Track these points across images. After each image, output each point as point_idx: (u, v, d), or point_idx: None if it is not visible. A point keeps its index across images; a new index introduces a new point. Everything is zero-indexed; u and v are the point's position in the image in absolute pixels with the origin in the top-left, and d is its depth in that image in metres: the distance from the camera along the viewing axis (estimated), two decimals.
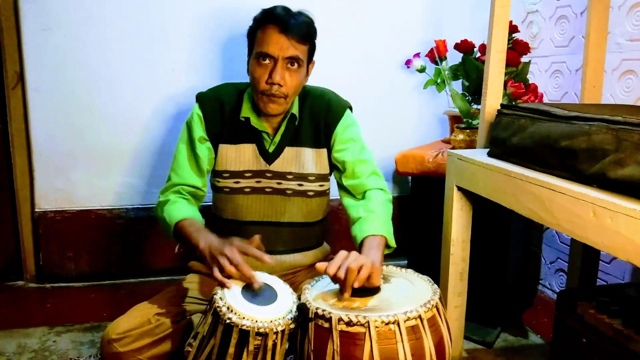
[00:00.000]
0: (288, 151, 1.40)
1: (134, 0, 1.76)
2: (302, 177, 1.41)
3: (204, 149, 1.38)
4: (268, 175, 1.40)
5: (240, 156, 1.39)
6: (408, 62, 1.82)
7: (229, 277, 1.10)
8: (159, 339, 1.22)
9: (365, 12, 1.95)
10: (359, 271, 1.07)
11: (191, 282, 1.41)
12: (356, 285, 1.07)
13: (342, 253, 1.12)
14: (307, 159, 1.41)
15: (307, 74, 1.39)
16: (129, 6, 1.76)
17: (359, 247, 1.24)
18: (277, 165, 1.40)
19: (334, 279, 1.09)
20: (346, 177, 1.41)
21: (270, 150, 1.40)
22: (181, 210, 1.29)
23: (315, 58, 1.41)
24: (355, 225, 1.31)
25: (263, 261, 1.12)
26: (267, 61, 1.29)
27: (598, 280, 1.60)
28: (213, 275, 1.10)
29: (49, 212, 1.83)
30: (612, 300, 1.22)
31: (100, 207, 1.86)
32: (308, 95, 1.43)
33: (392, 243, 1.30)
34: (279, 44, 1.27)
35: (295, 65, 1.30)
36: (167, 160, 1.46)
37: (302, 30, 1.29)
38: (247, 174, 1.40)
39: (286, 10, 1.31)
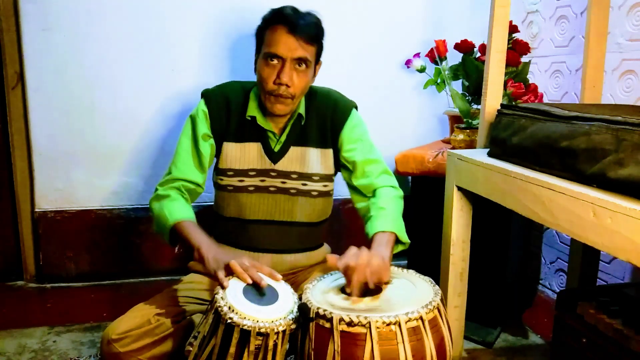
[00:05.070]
0: (293, 150, 1.40)
1: (134, 0, 1.76)
2: (306, 177, 1.41)
3: (207, 146, 1.38)
4: (272, 174, 1.40)
5: (245, 155, 1.39)
6: (408, 62, 1.82)
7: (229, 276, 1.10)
8: (159, 339, 1.22)
9: (365, 11, 1.95)
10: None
11: (191, 282, 1.41)
12: (371, 285, 1.08)
13: (353, 249, 1.13)
14: (312, 159, 1.41)
15: (315, 74, 1.39)
16: (129, 6, 1.76)
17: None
18: (282, 165, 1.40)
19: (344, 273, 1.11)
20: (356, 177, 1.41)
21: (276, 149, 1.40)
22: (182, 210, 1.28)
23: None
24: (367, 224, 1.32)
25: (275, 279, 1.14)
26: (276, 61, 1.29)
27: (598, 280, 1.60)
28: (217, 278, 1.10)
29: (49, 212, 1.83)
30: (612, 300, 1.22)
31: (100, 207, 1.86)
32: (314, 95, 1.43)
33: (404, 238, 1.29)
34: (288, 45, 1.27)
35: (304, 66, 1.30)
36: (167, 160, 1.46)
37: (311, 31, 1.29)
38: (251, 173, 1.40)
39: (295, 10, 1.31)
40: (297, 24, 1.27)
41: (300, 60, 1.29)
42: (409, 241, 1.31)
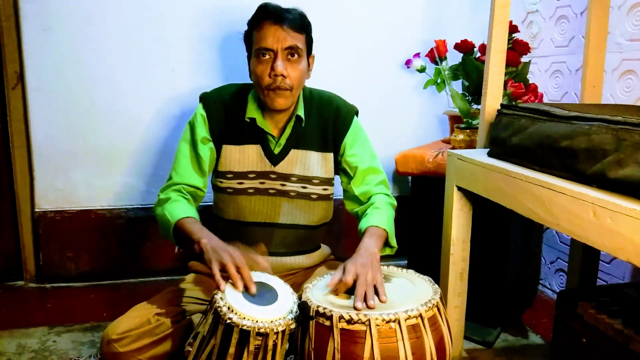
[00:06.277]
0: (293, 153, 1.40)
1: (134, 0, 1.76)
2: (306, 180, 1.41)
3: (206, 150, 1.38)
4: (272, 176, 1.40)
5: (245, 157, 1.39)
6: (408, 62, 1.82)
7: (227, 278, 1.10)
8: (159, 339, 1.22)
9: (365, 12, 1.95)
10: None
11: (191, 282, 1.41)
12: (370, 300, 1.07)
13: (344, 266, 1.13)
14: (312, 162, 1.41)
15: (309, 67, 1.39)
16: (129, 6, 1.76)
17: (360, 237, 1.26)
18: (282, 167, 1.40)
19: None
20: (355, 183, 1.41)
21: (276, 151, 1.40)
22: (183, 209, 1.28)
23: (315, 59, 1.41)
24: (361, 221, 1.34)
25: (265, 270, 1.15)
26: (267, 56, 1.29)
27: (598, 280, 1.60)
28: (212, 271, 1.10)
29: (49, 212, 1.83)
30: (612, 300, 1.23)
31: (100, 207, 1.86)
32: (315, 99, 1.43)
33: (393, 241, 1.31)
34: (276, 36, 1.28)
35: (296, 55, 1.30)
36: (167, 160, 1.47)
37: (297, 20, 1.31)
38: (251, 175, 1.40)
39: (278, 5, 1.33)
40: (283, 15, 1.29)
41: (291, 50, 1.29)
42: (396, 246, 1.32)
